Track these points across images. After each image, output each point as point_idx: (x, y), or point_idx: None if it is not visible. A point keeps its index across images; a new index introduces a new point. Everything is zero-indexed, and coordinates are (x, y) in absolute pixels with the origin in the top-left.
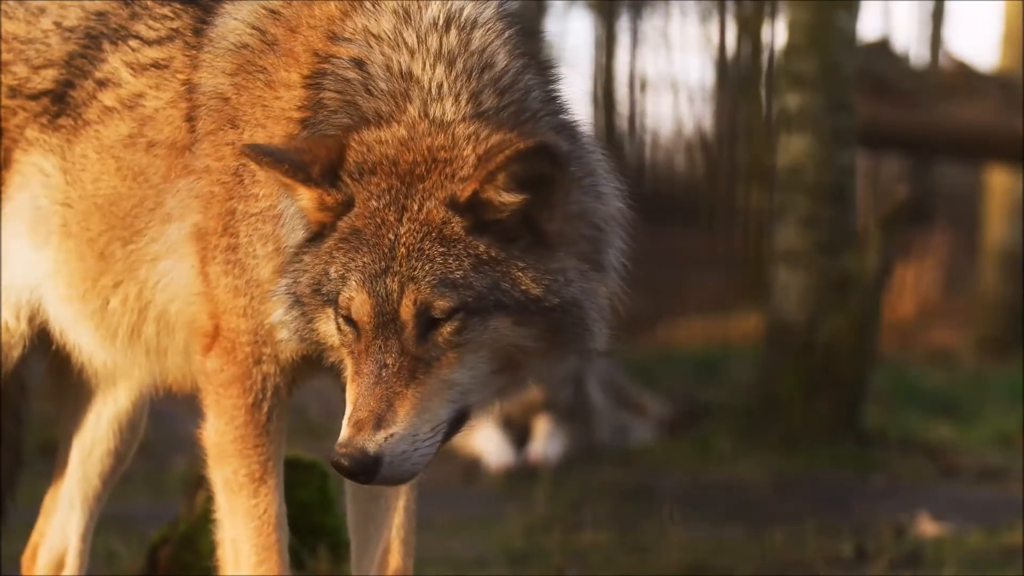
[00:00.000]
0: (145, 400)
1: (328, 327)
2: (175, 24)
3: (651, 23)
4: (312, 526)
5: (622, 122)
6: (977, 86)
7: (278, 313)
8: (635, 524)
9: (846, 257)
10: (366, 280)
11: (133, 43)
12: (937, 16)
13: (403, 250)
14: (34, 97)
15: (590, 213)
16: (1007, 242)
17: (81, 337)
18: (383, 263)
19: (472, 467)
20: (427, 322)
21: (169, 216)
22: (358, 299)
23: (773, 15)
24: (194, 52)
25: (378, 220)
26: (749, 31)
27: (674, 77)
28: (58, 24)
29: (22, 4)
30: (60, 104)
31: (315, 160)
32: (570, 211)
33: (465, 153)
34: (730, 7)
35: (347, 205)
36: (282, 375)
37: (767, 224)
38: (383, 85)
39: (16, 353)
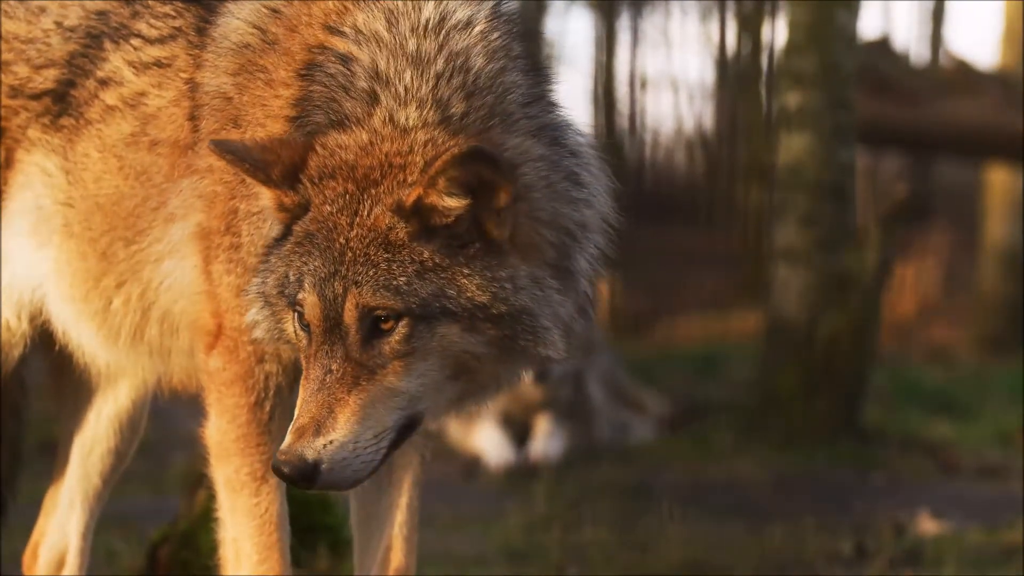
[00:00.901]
0: (146, 398)
1: (293, 328)
2: (177, 23)
3: (651, 21)
4: (312, 524)
5: (622, 121)
6: (977, 84)
7: (252, 312)
8: (635, 522)
9: (846, 255)
10: (316, 283)
11: (135, 42)
12: (937, 15)
13: (350, 254)
14: (36, 97)
15: (561, 219)
16: (1007, 240)
17: (83, 337)
18: (332, 267)
19: (472, 465)
20: (371, 328)
21: (172, 216)
22: (309, 301)
23: (773, 14)
24: (197, 51)
25: (330, 224)
26: (749, 30)
27: (674, 76)
28: (59, 24)
29: (23, 4)
30: (62, 104)
31: (277, 161)
32: (536, 216)
33: (417, 159)
34: (730, 6)
35: (304, 208)
36: (284, 374)
37: (767, 222)
38: (362, 84)
39: (17, 352)
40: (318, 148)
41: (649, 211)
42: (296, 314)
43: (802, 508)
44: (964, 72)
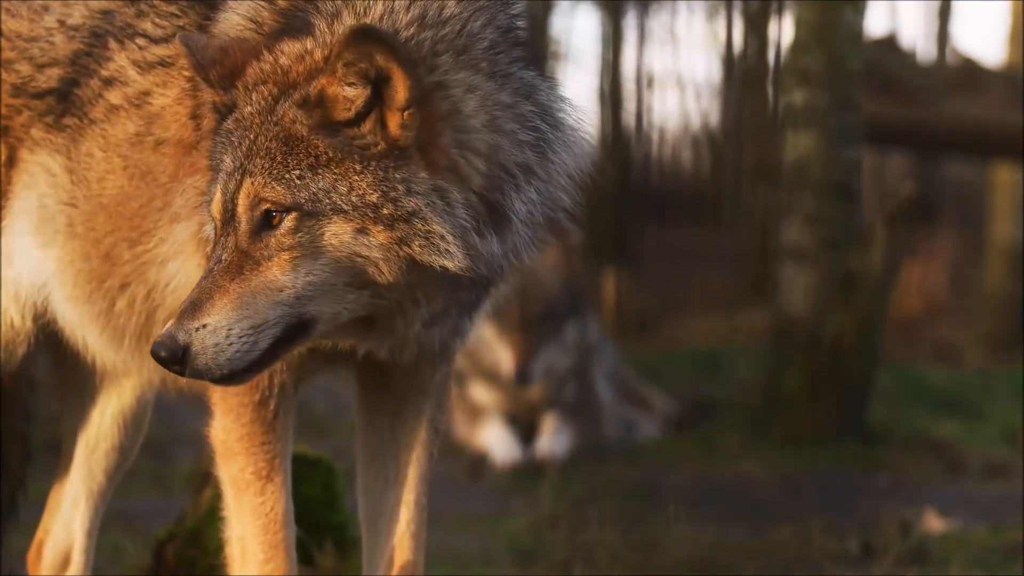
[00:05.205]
0: (150, 396)
1: None
2: (181, 21)
3: (658, 20)
4: (317, 522)
5: (629, 119)
6: (983, 83)
7: (207, 228)
8: (641, 521)
9: (852, 254)
10: (222, 179)
11: (140, 41)
12: (944, 13)
13: (254, 149)
14: (39, 96)
15: (499, 154)
16: (1014, 239)
17: (88, 338)
18: (238, 162)
19: (479, 463)
20: (261, 221)
21: (177, 215)
22: (216, 197)
23: (780, 12)
24: None
25: (246, 124)
26: (756, 28)
27: (681, 74)
28: (62, 22)
29: (25, 2)
30: (65, 103)
31: (219, 62)
32: (464, 142)
33: None
34: (737, 4)
35: (230, 109)
36: (288, 372)
37: (773, 221)
38: (330, 7)
39: (21, 351)
40: (264, 54)
41: (655, 210)
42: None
43: (808, 507)
44: (970, 71)
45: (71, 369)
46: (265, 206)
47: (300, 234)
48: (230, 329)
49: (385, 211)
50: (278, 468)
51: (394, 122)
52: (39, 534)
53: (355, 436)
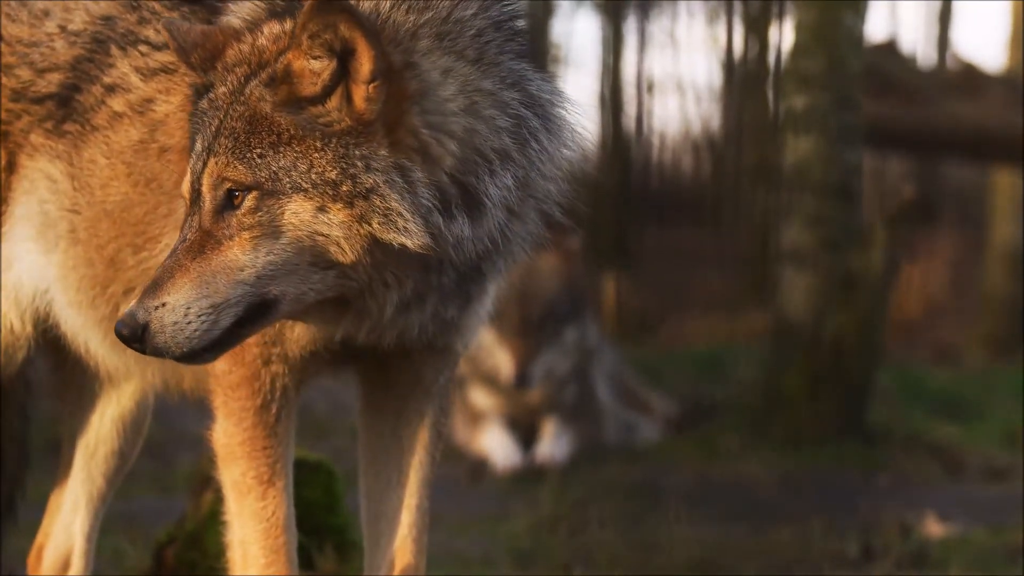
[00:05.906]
0: (149, 400)
1: None
2: None
3: (658, 24)
4: (318, 525)
5: (629, 122)
6: (983, 86)
7: None
8: (641, 522)
9: (852, 256)
10: (192, 159)
11: (142, 48)
12: (944, 17)
13: (221, 128)
14: (39, 101)
15: (475, 137)
16: (1013, 241)
17: (91, 343)
18: (206, 142)
19: (479, 468)
20: (224, 200)
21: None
22: (186, 178)
23: (780, 16)
24: None
25: (217, 104)
26: (756, 32)
27: (681, 78)
28: (63, 28)
29: (25, 6)
30: (66, 109)
31: (201, 45)
32: (435, 124)
33: None
34: (737, 8)
35: (208, 90)
36: (291, 375)
37: (773, 223)
38: None
39: (21, 356)
40: (245, 35)
41: (656, 212)
42: None
43: (808, 509)
44: (970, 74)
45: (71, 373)
46: (227, 185)
47: (260, 213)
48: (188, 308)
49: (344, 188)
50: (280, 472)
51: (359, 95)
52: (39, 538)
53: (357, 438)
